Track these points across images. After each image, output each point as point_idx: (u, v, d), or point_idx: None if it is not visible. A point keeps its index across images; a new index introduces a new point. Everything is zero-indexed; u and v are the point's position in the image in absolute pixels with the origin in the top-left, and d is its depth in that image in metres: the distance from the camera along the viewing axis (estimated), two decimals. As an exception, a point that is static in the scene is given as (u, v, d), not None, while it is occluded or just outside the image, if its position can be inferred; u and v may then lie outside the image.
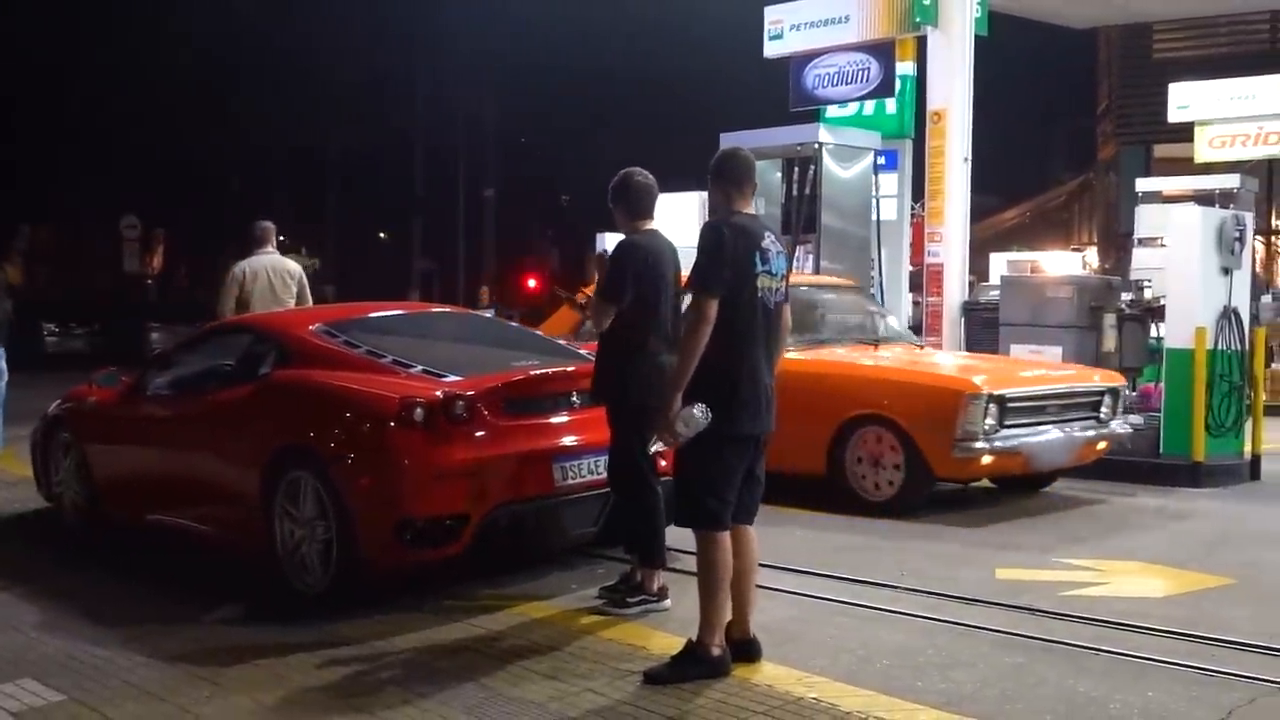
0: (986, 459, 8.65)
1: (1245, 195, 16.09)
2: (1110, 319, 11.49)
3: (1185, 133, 20.26)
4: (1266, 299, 19.07)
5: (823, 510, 8.81)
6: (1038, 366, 10.40)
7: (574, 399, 6.68)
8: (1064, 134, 39.27)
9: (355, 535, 6.18)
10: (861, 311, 10.83)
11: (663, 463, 6.15)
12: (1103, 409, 9.50)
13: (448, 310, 9.19)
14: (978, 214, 27.64)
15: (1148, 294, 12.55)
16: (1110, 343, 11.47)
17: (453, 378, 6.50)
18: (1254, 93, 18.77)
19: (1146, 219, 15.18)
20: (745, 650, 5.29)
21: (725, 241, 5.12)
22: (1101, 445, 9.53)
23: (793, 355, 8.97)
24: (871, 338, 10.18)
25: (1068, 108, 35.99)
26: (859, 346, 9.95)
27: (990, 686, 5.05)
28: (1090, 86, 32.27)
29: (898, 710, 4.74)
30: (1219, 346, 10.37)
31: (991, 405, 8.58)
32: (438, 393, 6.26)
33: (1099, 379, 9.71)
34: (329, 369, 6.77)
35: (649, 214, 6.33)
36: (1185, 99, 19.37)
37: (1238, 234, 10.57)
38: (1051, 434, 9.07)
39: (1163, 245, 12.97)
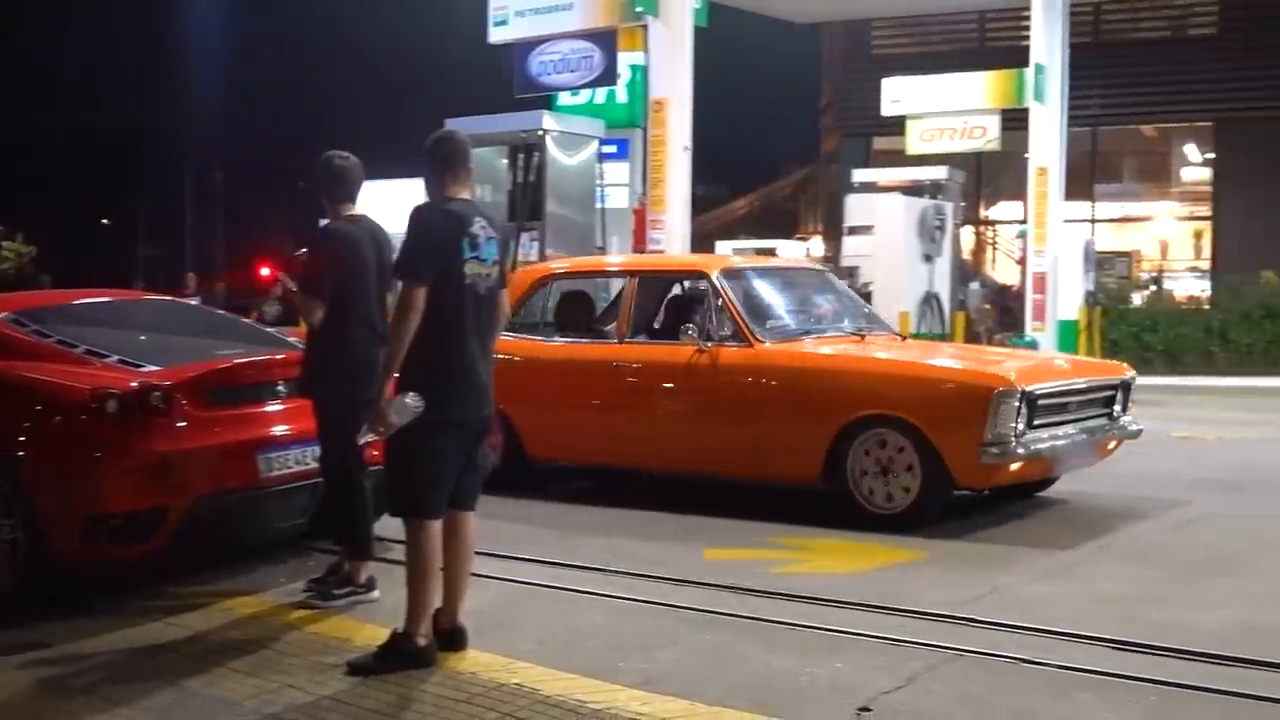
0: (1015, 465, 7.70)
1: (952, 186, 16.88)
2: (821, 304, 11.88)
3: (900, 126, 21.04)
4: (975, 286, 20.07)
5: (526, 496, 8.69)
6: (1054, 358, 9.50)
7: (280, 388, 6.54)
8: (792, 126, 40.39)
9: (45, 532, 5.93)
10: (833, 298, 9.56)
11: (374, 452, 6.07)
12: (1115, 405, 8.62)
13: (151, 298, 8.89)
14: (708, 204, 28.31)
15: (860, 280, 13.09)
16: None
17: (150, 368, 6.30)
18: (960, 89, 19.60)
19: (856, 208, 15.76)
20: (452, 638, 5.25)
21: (431, 227, 5.07)
22: (1113, 444, 8.71)
23: (772, 347, 8.27)
24: (853, 328, 8.99)
25: (797, 100, 37.05)
26: (846, 338, 8.81)
27: (689, 664, 5.15)
28: (816, 80, 33.29)
29: (599, 692, 4.79)
30: (922, 329, 10.87)
31: (1023, 404, 7.59)
32: (133, 383, 6.05)
33: (1119, 372, 8.88)
34: (17, 360, 6.45)
35: (351, 198, 6.28)
36: (897, 94, 20.08)
37: (938, 223, 11.13)
38: (1074, 434, 8.18)
39: (872, 234, 13.52)
